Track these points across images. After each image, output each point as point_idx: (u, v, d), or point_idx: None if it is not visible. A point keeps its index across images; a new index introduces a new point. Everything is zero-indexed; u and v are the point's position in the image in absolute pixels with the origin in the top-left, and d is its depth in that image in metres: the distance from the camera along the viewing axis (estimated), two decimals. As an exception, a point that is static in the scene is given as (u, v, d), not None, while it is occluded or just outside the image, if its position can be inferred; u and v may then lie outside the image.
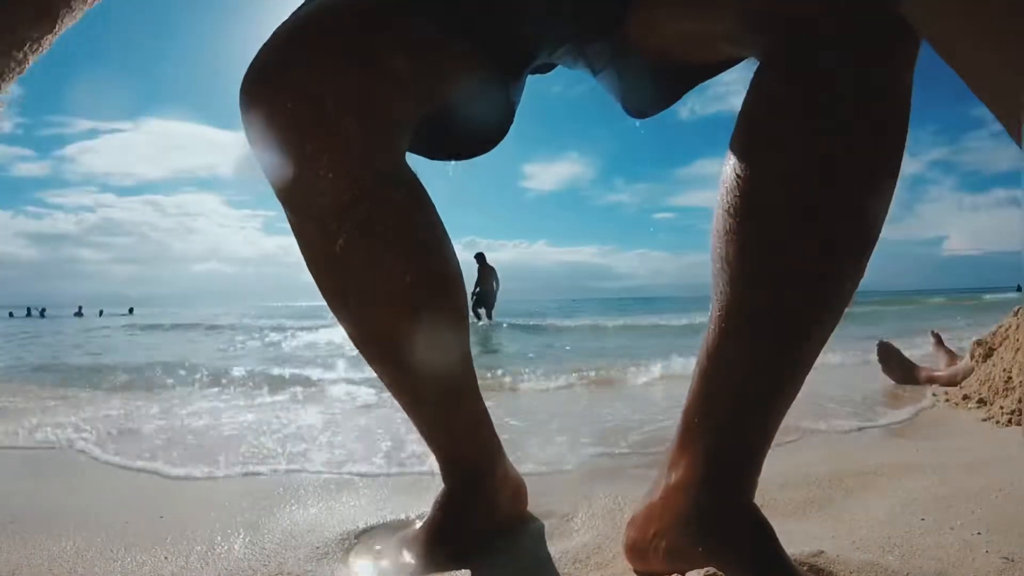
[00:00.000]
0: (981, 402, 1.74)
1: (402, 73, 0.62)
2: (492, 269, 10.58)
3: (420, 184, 0.69)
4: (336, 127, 0.59)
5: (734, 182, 0.62)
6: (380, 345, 0.71)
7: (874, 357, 2.37)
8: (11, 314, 24.37)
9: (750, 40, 0.64)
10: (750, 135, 0.63)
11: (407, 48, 0.63)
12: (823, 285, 0.61)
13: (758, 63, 0.64)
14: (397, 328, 0.69)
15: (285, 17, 0.62)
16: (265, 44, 0.61)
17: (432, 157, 0.74)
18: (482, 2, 0.68)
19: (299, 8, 0.64)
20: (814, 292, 0.61)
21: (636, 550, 0.70)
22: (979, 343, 2.01)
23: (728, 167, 0.63)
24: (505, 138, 0.76)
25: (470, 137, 0.75)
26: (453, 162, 0.76)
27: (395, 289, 0.66)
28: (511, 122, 0.75)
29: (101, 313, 29.03)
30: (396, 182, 0.66)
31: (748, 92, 0.64)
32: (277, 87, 0.59)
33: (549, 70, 0.81)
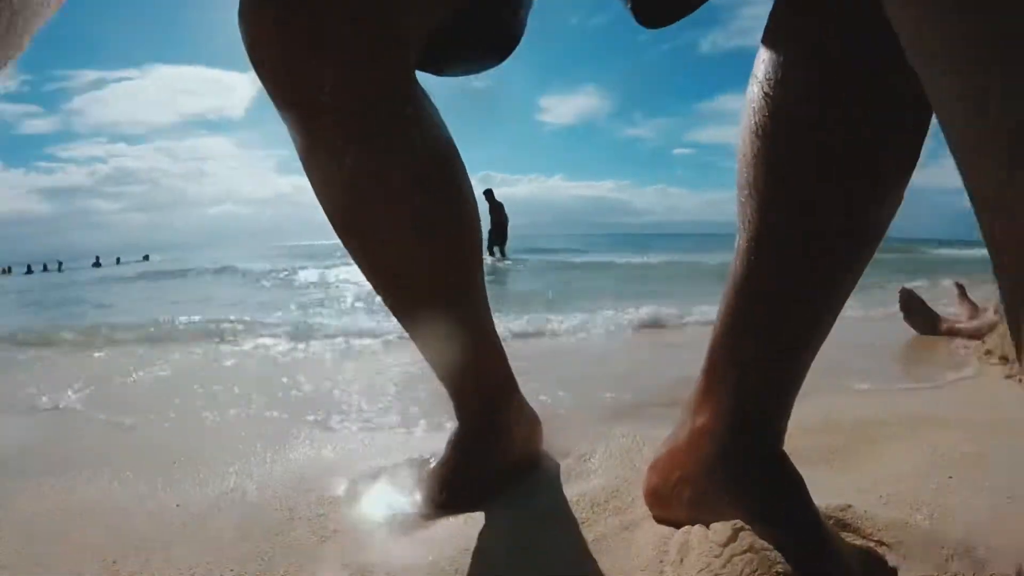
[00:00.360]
0: (1003, 359, 1.70)
1: None
2: (501, 205, 10.53)
3: (429, 99, 0.65)
4: (341, 40, 0.56)
5: (762, 100, 0.56)
6: (392, 271, 0.69)
7: (896, 306, 2.33)
8: (29, 268, 24.57)
9: None
10: (777, 52, 0.56)
11: None
12: (861, 210, 0.56)
13: None
14: (408, 250, 0.66)
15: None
16: None
17: (441, 74, 0.70)
18: None
19: None
20: (851, 217, 0.56)
21: (657, 496, 0.68)
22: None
23: (754, 87, 0.57)
24: (522, 66, 0.72)
25: (480, 49, 0.71)
26: (472, 76, 0.74)
27: (404, 208, 0.64)
28: (523, 31, 0.70)
29: (119, 261, 29.39)
30: (404, 96, 0.62)
31: (773, 8, 0.58)
32: (276, 8, 0.55)
33: None
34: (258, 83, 0.59)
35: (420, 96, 0.65)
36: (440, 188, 0.66)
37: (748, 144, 0.58)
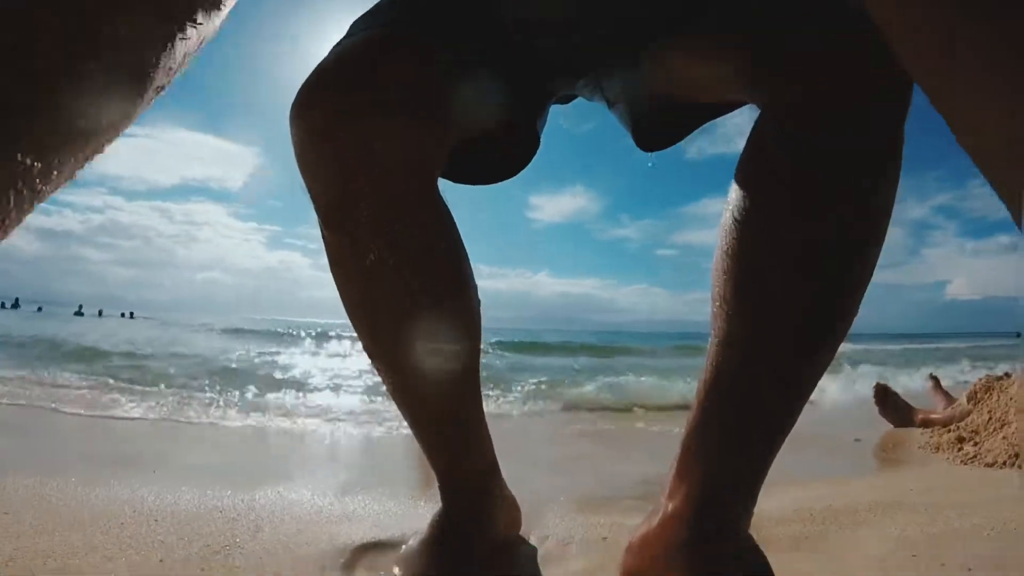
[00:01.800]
0: (976, 444, 1.75)
1: (441, 109, 0.66)
2: None
3: (448, 210, 0.72)
4: (380, 155, 0.62)
5: (732, 225, 0.65)
6: (395, 356, 0.73)
7: (871, 398, 2.38)
8: (2, 304, 23.99)
9: (751, 91, 0.67)
10: (748, 185, 0.65)
11: (445, 82, 0.66)
12: (817, 324, 0.63)
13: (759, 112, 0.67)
14: (413, 340, 0.71)
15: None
16: (326, 63, 0.64)
17: (457, 181, 0.78)
18: (517, 36, 0.72)
19: (352, 29, 0.68)
20: (808, 331, 0.63)
21: (633, 576, 0.71)
22: (977, 387, 2.03)
23: (728, 211, 0.66)
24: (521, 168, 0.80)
25: (496, 163, 0.79)
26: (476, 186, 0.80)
27: (414, 303, 0.69)
28: (536, 149, 0.79)
29: (100, 313, 28.86)
30: (428, 206, 0.69)
31: (748, 141, 0.67)
32: (330, 110, 0.61)
33: (569, 101, 0.86)
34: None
35: (442, 206, 0.71)
36: (451, 288, 0.72)
37: (720, 262, 0.66)
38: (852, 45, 0.55)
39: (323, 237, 0.69)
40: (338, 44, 0.67)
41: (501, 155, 0.79)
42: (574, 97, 0.85)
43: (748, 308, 0.64)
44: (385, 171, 0.63)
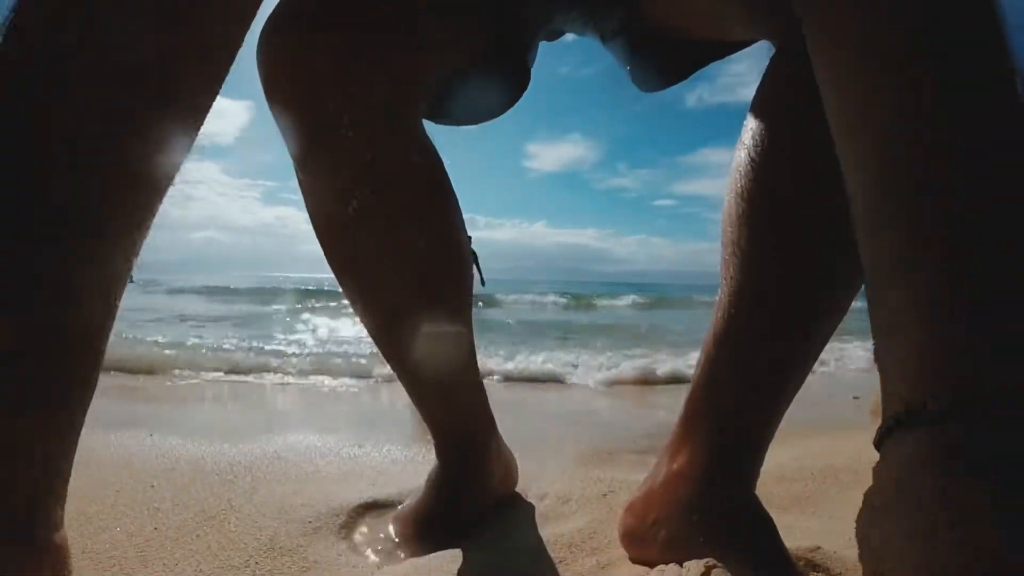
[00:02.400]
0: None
1: (424, 37, 0.61)
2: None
3: (435, 150, 0.67)
4: (361, 87, 0.57)
5: (748, 166, 0.60)
6: (385, 313, 0.70)
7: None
8: None
9: (763, 22, 0.62)
10: (765, 122, 0.61)
11: (428, 8, 0.61)
12: (835, 269, 0.59)
13: (773, 49, 0.63)
14: (404, 295, 0.67)
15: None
16: None
17: (439, 122, 0.72)
18: None
19: None
20: (826, 275, 0.60)
21: (633, 536, 0.69)
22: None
23: (741, 152, 0.61)
24: (511, 112, 0.75)
25: (482, 102, 0.73)
26: (464, 127, 0.75)
27: (405, 255, 0.65)
28: (525, 87, 0.73)
29: None
30: (414, 146, 0.64)
31: (763, 78, 0.62)
32: (300, 41, 0.56)
33: (556, 37, 0.79)
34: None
35: (428, 146, 0.66)
36: (437, 224, 0.68)
37: (733, 206, 0.62)
38: None
39: (302, 188, 0.64)
40: None
41: (488, 92, 0.73)
42: (561, 33, 0.78)
43: (766, 254, 0.60)
44: (362, 91, 0.57)
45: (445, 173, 0.68)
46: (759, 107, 0.62)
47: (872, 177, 0.35)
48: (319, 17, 0.56)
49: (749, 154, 0.60)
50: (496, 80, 0.71)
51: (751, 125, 0.61)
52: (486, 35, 0.67)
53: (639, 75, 0.74)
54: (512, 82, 0.71)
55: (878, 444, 0.32)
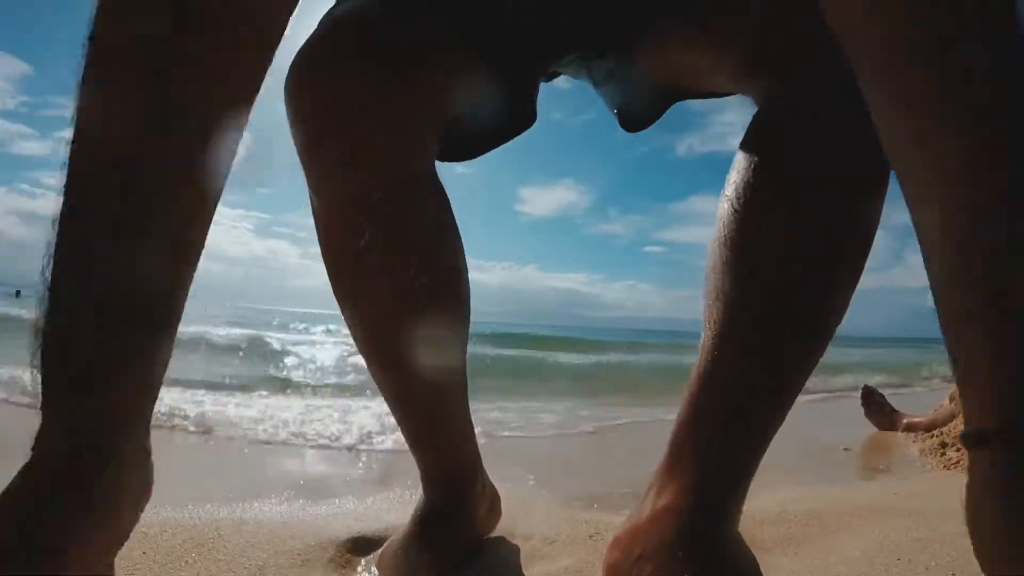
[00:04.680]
0: (958, 450, 1.76)
1: (438, 83, 0.65)
2: None
3: (444, 191, 0.71)
4: (379, 127, 0.61)
5: (731, 217, 0.64)
6: (383, 342, 0.72)
7: (857, 401, 2.40)
8: None
9: (746, 83, 0.67)
10: (747, 177, 0.65)
11: (440, 56, 0.66)
12: (814, 317, 0.63)
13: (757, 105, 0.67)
14: (402, 325, 0.70)
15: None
16: (314, 35, 0.63)
17: (443, 159, 0.75)
18: (506, 11, 0.71)
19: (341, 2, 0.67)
20: (806, 323, 0.63)
21: (618, 571, 0.70)
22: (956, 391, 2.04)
23: (725, 204, 0.65)
24: (505, 157, 0.79)
25: (484, 138, 0.77)
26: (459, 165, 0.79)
27: (407, 288, 0.68)
28: (532, 120, 0.78)
29: None
30: (425, 186, 0.68)
31: (746, 134, 0.67)
32: (328, 79, 0.60)
33: (553, 78, 0.84)
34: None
35: (439, 187, 0.70)
36: (443, 274, 0.71)
37: (717, 254, 0.65)
38: None
39: (316, 216, 0.67)
40: (329, 13, 0.66)
41: (492, 128, 0.77)
42: (558, 74, 0.84)
43: (747, 300, 0.63)
44: (384, 126, 0.61)
45: (452, 214, 0.71)
46: (741, 162, 0.66)
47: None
48: (345, 57, 0.61)
49: (732, 206, 0.64)
50: (503, 111, 0.76)
51: (734, 179, 0.66)
52: (499, 70, 0.72)
53: (626, 116, 0.79)
54: (519, 114, 0.77)
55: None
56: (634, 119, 0.80)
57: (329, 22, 0.64)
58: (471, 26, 0.69)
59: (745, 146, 0.66)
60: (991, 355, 0.38)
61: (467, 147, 0.77)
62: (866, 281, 0.64)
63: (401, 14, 0.65)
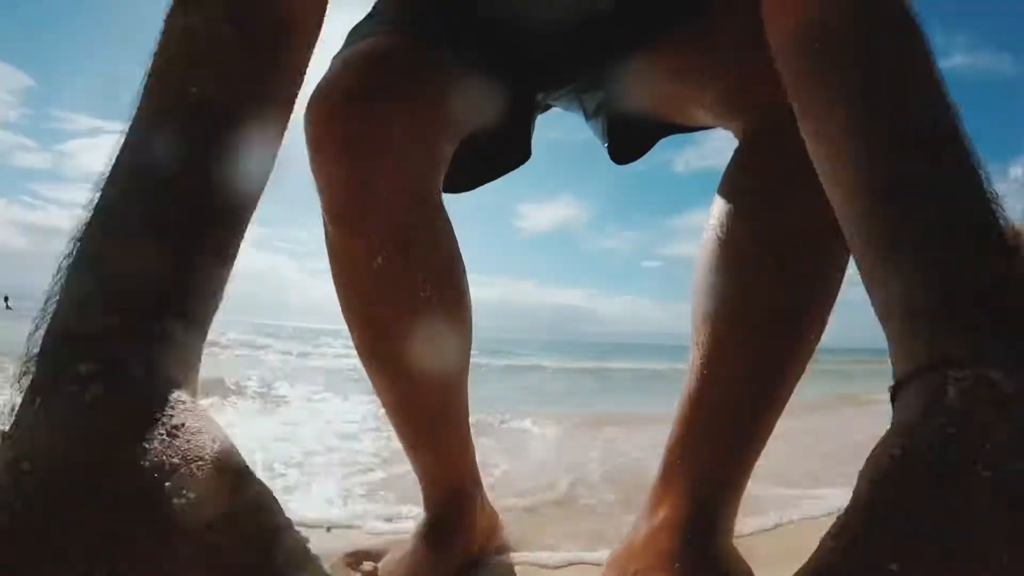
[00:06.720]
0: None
1: (452, 116, 0.68)
2: None
3: (449, 219, 0.73)
4: (397, 157, 0.63)
5: (715, 244, 0.67)
6: (390, 356, 0.74)
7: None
8: None
9: (725, 119, 0.69)
10: (729, 206, 0.68)
11: (454, 88, 0.68)
12: (800, 336, 0.65)
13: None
14: (409, 339, 0.71)
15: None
16: (335, 66, 0.65)
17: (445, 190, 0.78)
18: (512, 42, 0.74)
19: (351, 37, 0.70)
20: (792, 343, 0.65)
21: (615, 588, 0.71)
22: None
23: (709, 232, 0.68)
24: (504, 178, 0.83)
25: (482, 171, 0.80)
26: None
27: (415, 303, 0.69)
28: (528, 153, 0.80)
29: None
30: (438, 213, 0.71)
31: (728, 166, 0.70)
32: (349, 111, 0.62)
33: (546, 109, 0.87)
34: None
35: (445, 212, 0.72)
36: (450, 291, 0.73)
37: (703, 278, 0.68)
38: None
39: (328, 238, 0.69)
40: (340, 52, 0.68)
41: (488, 160, 0.80)
42: (550, 107, 0.87)
43: (731, 323, 0.66)
44: (398, 156, 0.63)
45: (456, 241, 0.74)
46: (724, 193, 0.69)
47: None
48: (362, 88, 0.63)
49: (716, 234, 0.67)
50: (504, 146, 0.79)
51: (715, 210, 0.68)
52: (505, 103, 0.75)
53: (614, 148, 0.81)
54: (516, 150, 0.79)
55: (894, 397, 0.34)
56: (623, 151, 0.82)
57: (347, 57, 0.66)
58: (483, 58, 0.72)
59: (727, 178, 0.69)
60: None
61: (464, 179, 0.79)
62: (845, 293, 0.67)
63: (417, 46, 0.67)
